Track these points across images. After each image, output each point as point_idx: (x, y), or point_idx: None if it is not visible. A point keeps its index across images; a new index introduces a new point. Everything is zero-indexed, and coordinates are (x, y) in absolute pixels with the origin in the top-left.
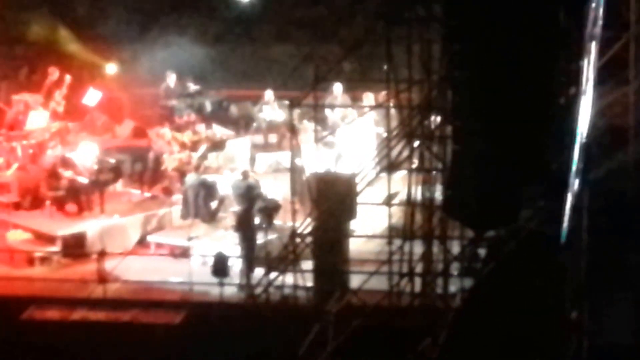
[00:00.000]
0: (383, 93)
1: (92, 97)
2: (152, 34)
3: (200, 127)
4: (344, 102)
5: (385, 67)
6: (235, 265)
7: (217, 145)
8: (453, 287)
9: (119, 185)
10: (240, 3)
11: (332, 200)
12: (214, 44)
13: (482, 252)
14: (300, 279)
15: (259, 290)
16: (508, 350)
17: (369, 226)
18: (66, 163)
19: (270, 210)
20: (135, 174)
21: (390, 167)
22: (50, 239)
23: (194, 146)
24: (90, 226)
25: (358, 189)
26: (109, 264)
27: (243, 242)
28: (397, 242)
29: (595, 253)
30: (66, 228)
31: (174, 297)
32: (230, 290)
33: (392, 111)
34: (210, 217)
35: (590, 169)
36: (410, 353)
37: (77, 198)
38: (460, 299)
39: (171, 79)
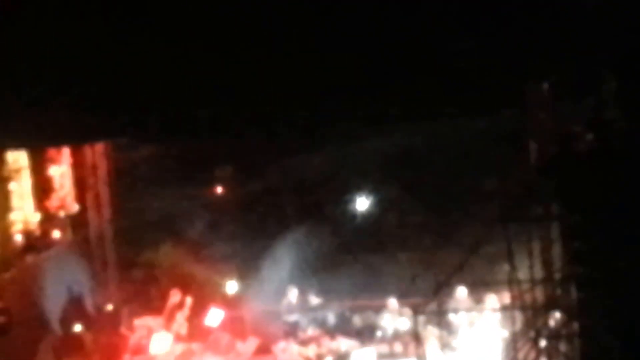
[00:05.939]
0: (506, 294)
1: (214, 316)
2: (272, 249)
3: (325, 340)
4: (468, 305)
5: (507, 267)
6: None
7: (342, 358)
8: None
9: None
10: (357, 214)
11: None
12: (334, 256)
13: None
14: None
15: None
16: None
17: None
18: None
19: None
20: None
21: None
22: None
23: None
24: None
25: None
26: None
27: None
28: None
29: None
30: None
31: None
32: None
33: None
34: None
35: None
36: None
37: None
38: None
39: (293, 294)
